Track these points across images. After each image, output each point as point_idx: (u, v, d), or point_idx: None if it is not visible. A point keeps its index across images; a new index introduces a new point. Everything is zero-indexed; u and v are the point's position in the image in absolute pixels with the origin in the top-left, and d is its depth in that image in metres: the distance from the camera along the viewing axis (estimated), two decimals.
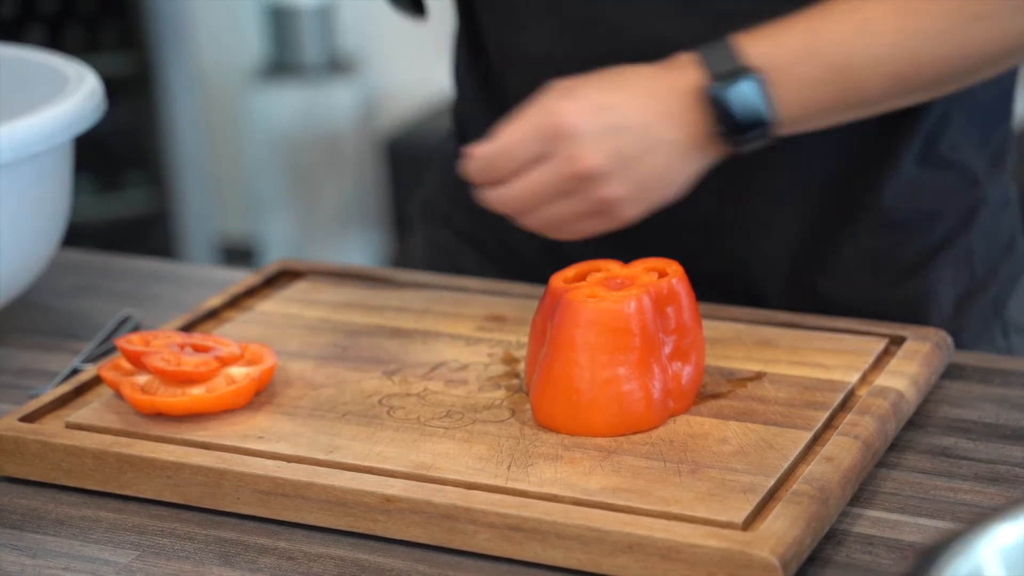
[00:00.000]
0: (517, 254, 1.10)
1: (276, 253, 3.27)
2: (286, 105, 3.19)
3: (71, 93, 1.03)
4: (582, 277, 0.87)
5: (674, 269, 0.85)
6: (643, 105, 0.90)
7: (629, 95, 0.90)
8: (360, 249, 3.29)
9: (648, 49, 0.95)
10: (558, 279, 0.86)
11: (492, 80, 1.08)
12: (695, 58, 0.91)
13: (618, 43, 0.98)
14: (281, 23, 3.22)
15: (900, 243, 1.03)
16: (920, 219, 1.03)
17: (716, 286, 1.02)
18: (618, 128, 0.89)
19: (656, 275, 0.85)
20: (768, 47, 0.91)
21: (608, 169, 0.89)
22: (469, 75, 1.11)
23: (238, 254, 3.51)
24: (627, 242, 0.99)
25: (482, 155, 0.92)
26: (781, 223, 1.02)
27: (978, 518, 0.47)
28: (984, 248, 1.05)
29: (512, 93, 1.03)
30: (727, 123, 0.90)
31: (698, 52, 0.91)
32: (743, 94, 0.89)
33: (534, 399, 0.84)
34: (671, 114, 0.90)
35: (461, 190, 1.07)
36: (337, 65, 3.26)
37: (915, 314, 1.02)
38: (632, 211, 0.91)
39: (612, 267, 0.87)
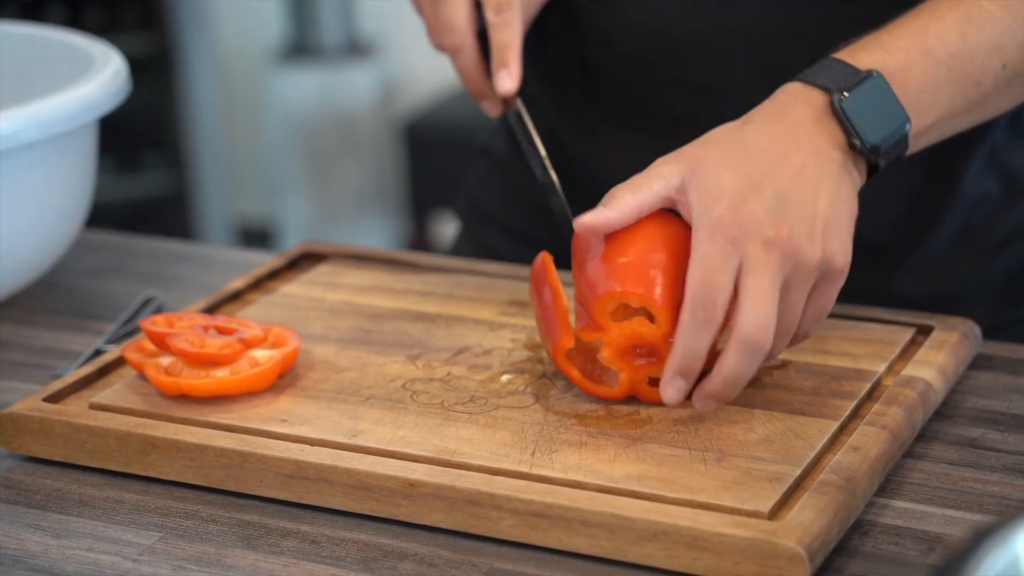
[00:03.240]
0: None
1: (293, 235, 3.27)
2: (305, 87, 3.19)
3: (97, 73, 1.03)
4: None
5: None
6: (781, 150, 0.82)
7: (764, 151, 0.83)
8: (377, 232, 3.29)
9: (755, 23, 0.94)
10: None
11: (566, 61, 1.06)
12: (805, 83, 0.85)
13: (728, 16, 0.97)
14: (301, 5, 3.22)
15: (993, 215, 1.03)
16: (1014, 189, 1.03)
17: None
18: (783, 195, 0.81)
19: None
20: (879, 55, 0.86)
21: (805, 230, 0.81)
22: (540, 60, 1.08)
23: (255, 236, 3.52)
24: None
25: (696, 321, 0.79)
26: (882, 206, 1.00)
27: (1016, 510, 0.47)
28: None
29: (607, 71, 1.02)
30: (863, 132, 0.84)
31: (804, 76, 0.86)
32: (871, 98, 0.84)
33: None
34: (808, 147, 0.83)
35: (516, 191, 1.07)
36: (356, 48, 3.26)
37: (1009, 290, 1.03)
38: (843, 259, 0.82)
39: None
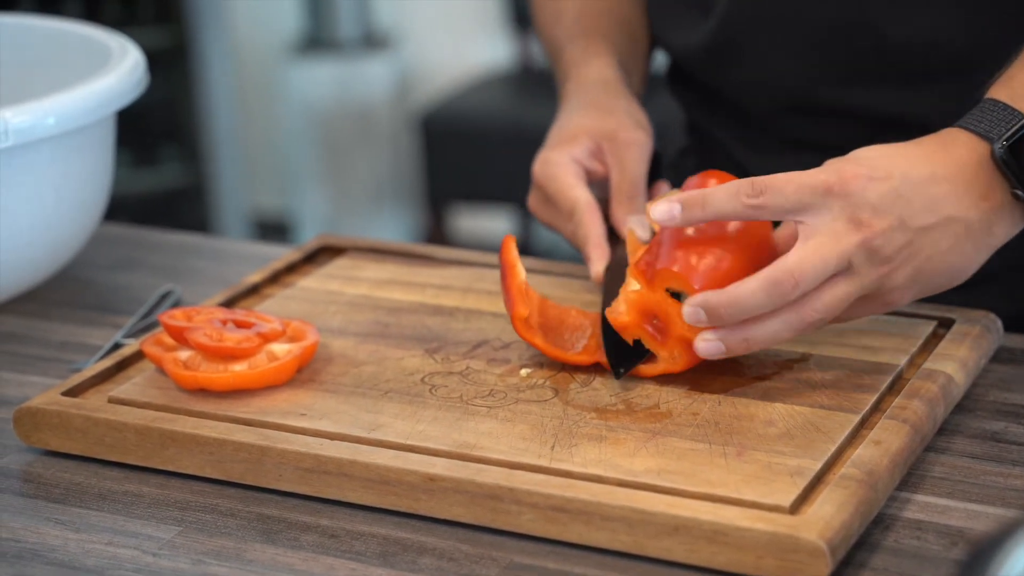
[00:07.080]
0: None
1: (310, 228, 3.27)
2: (321, 80, 3.19)
3: (115, 66, 1.03)
4: None
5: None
6: (930, 179, 0.81)
7: (915, 166, 0.81)
8: (394, 225, 3.28)
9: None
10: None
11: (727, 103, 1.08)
12: (964, 129, 0.83)
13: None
14: None
15: None
16: None
17: None
18: (905, 198, 0.80)
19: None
20: None
21: (899, 241, 0.80)
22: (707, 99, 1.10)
23: (272, 229, 3.52)
24: None
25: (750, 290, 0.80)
26: None
27: None
28: None
29: (773, 123, 1.05)
30: None
31: (965, 123, 0.83)
32: None
33: None
34: (960, 191, 0.81)
35: None
36: (372, 40, 3.25)
37: None
38: (904, 296, 0.82)
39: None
